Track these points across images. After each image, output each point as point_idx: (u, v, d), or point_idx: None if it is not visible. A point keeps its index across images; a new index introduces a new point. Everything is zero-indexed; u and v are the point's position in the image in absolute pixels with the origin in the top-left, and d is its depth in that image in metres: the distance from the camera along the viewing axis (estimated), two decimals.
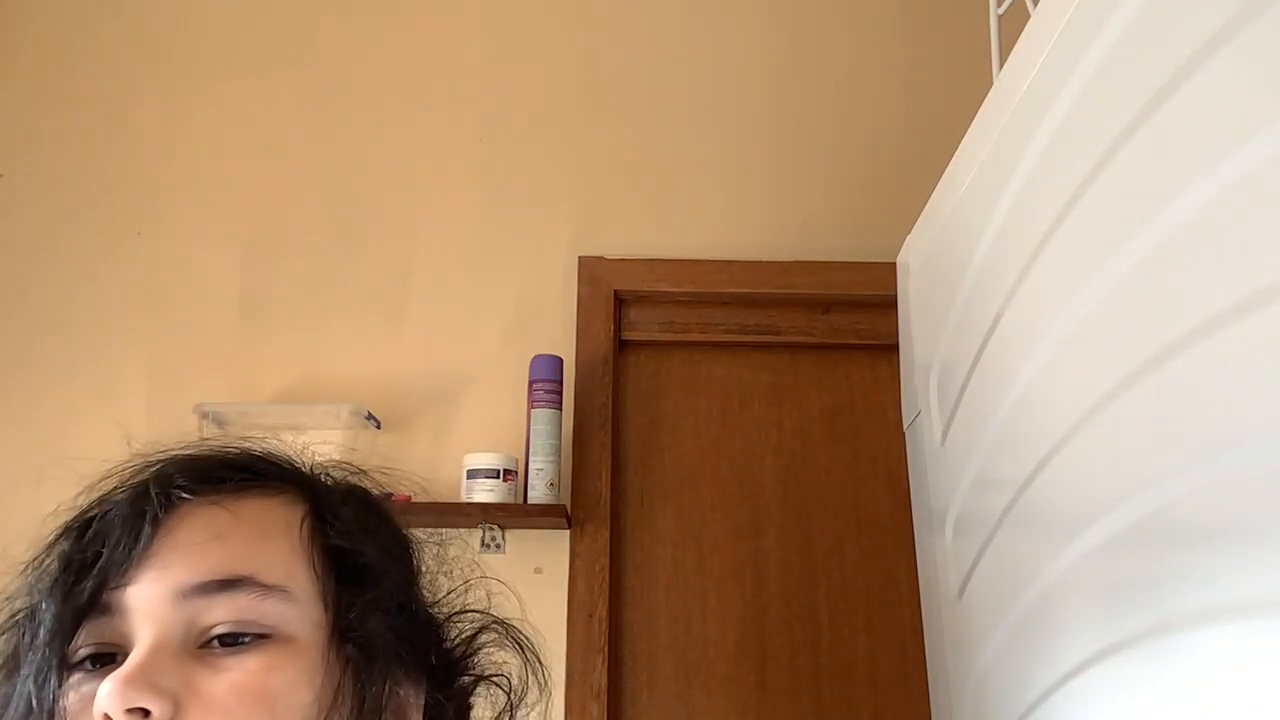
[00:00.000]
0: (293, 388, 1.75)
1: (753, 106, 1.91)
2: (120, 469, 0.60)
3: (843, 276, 1.79)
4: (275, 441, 0.62)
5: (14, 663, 0.54)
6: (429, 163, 1.88)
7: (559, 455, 1.63)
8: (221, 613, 0.52)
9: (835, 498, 1.76)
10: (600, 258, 1.81)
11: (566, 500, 1.66)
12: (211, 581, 0.53)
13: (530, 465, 1.61)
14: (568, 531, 1.67)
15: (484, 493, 1.59)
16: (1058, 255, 0.93)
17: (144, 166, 1.89)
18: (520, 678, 0.65)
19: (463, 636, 0.64)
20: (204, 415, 1.64)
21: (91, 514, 0.57)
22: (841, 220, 1.83)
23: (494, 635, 0.65)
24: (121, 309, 1.80)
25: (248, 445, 0.61)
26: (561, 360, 1.69)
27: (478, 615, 0.65)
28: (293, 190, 1.87)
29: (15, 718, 0.51)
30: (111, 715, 0.48)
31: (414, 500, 1.63)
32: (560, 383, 1.67)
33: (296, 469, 0.61)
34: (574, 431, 1.71)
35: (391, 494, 1.50)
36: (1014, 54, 1.04)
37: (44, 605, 0.53)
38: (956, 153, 1.22)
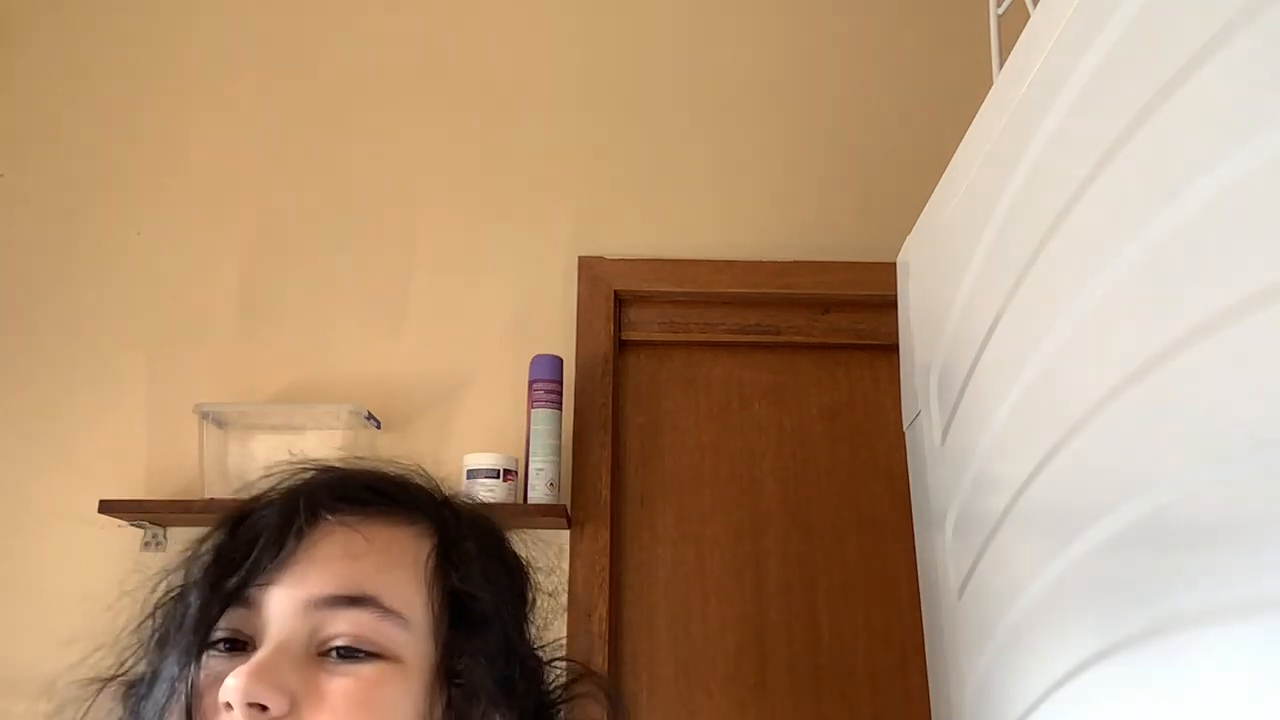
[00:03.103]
0: (293, 388, 1.75)
1: (753, 107, 1.91)
2: (278, 471, 0.65)
3: (843, 276, 1.79)
4: (416, 468, 0.68)
5: (165, 636, 0.60)
6: (429, 163, 1.88)
7: (559, 455, 1.63)
8: (343, 625, 0.57)
9: (835, 498, 1.76)
10: (600, 258, 1.81)
11: (566, 500, 1.66)
12: (339, 596, 0.57)
13: (530, 465, 1.61)
14: (568, 531, 1.67)
15: (484, 493, 1.59)
16: (1058, 255, 0.93)
17: (144, 166, 1.89)
18: None
19: (560, 682, 0.68)
20: (204, 415, 1.65)
21: (246, 512, 0.63)
22: (841, 220, 1.83)
23: (589, 687, 0.69)
24: (121, 309, 1.80)
25: (391, 469, 0.66)
26: (561, 360, 1.69)
27: (576, 665, 0.70)
28: (293, 190, 1.87)
29: (161, 684, 0.56)
30: (234, 706, 0.52)
31: None
32: (560, 383, 1.67)
33: (430, 498, 0.66)
34: (574, 431, 1.71)
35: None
36: (1014, 54, 1.04)
37: (195, 590, 0.59)
38: (956, 153, 1.22)
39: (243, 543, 0.60)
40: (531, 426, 1.63)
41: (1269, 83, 0.64)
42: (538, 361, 1.67)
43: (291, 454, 0.67)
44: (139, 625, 0.63)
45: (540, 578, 0.71)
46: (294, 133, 1.91)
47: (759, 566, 1.73)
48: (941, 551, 1.25)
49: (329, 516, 0.60)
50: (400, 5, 1.98)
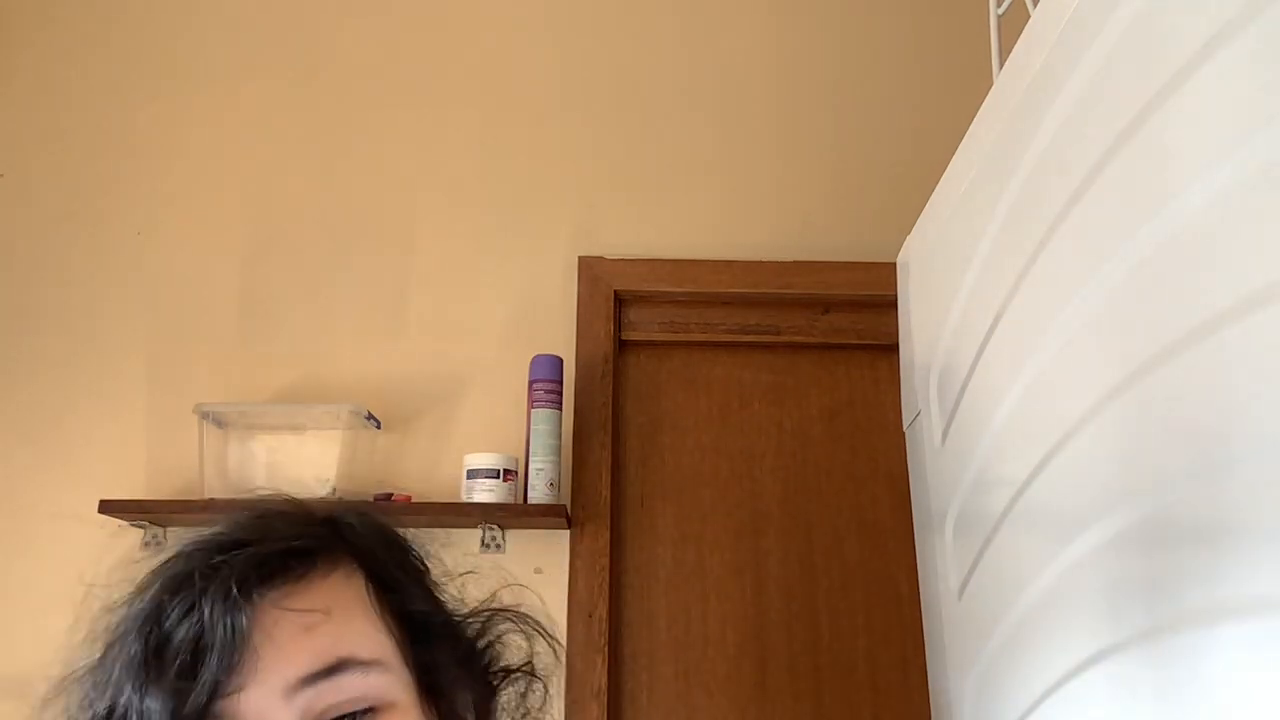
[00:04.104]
0: (293, 388, 1.75)
1: (753, 106, 1.91)
2: (170, 558, 0.61)
3: (843, 276, 1.79)
4: (287, 498, 0.66)
5: None
6: (429, 163, 1.88)
7: (559, 455, 1.64)
8: (332, 697, 0.56)
9: (835, 498, 1.76)
10: (600, 258, 1.81)
11: (566, 500, 1.66)
12: (316, 672, 0.56)
13: (530, 465, 1.61)
14: (568, 531, 1.67)
15: (484, 493, 1.59)
16: (1058, 255, 0.93)
17: (144, 166, 1.89)
18: (541, 658, 0.69)
19: (491, 636, 0.68)
20: (204, 415, 1.65)
21: (160, 610, 0.58)
22: (841, 220, 1.83)
23: (508, 624, 0.69)
24: (121, 309, 1.80)
25: (280, 511, 0.64)
26: (561, 360, 1.69)
27: (487, 612, 0.69)
28: (293, 190, 1.87)
29: None
30: None
31: (414, 500, 1.64)
32: (560, 383, 1.67)
33: (333, 529, 0.64)
34: (574, 431, 1.71)
35: (392, 494, 1.50)
36: (1014, 54, 1.04)
37: (145, 712, 0.54)
38: (956, 153, 1.22)
39: (176, 662, 0.55)
40: (531, 426, 1.63)
41: (1269, 83, 0.64)
42: (538, 361, 1.67)
43: (145, 543, 0.65)
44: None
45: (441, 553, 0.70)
46: (294, 133, 1.91)
47: (759, 566, 1.73)
48: (941, 551, 1.25)
49: (268, 596, 0.58)
50: (400, 6, 1.98)
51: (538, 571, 1.66)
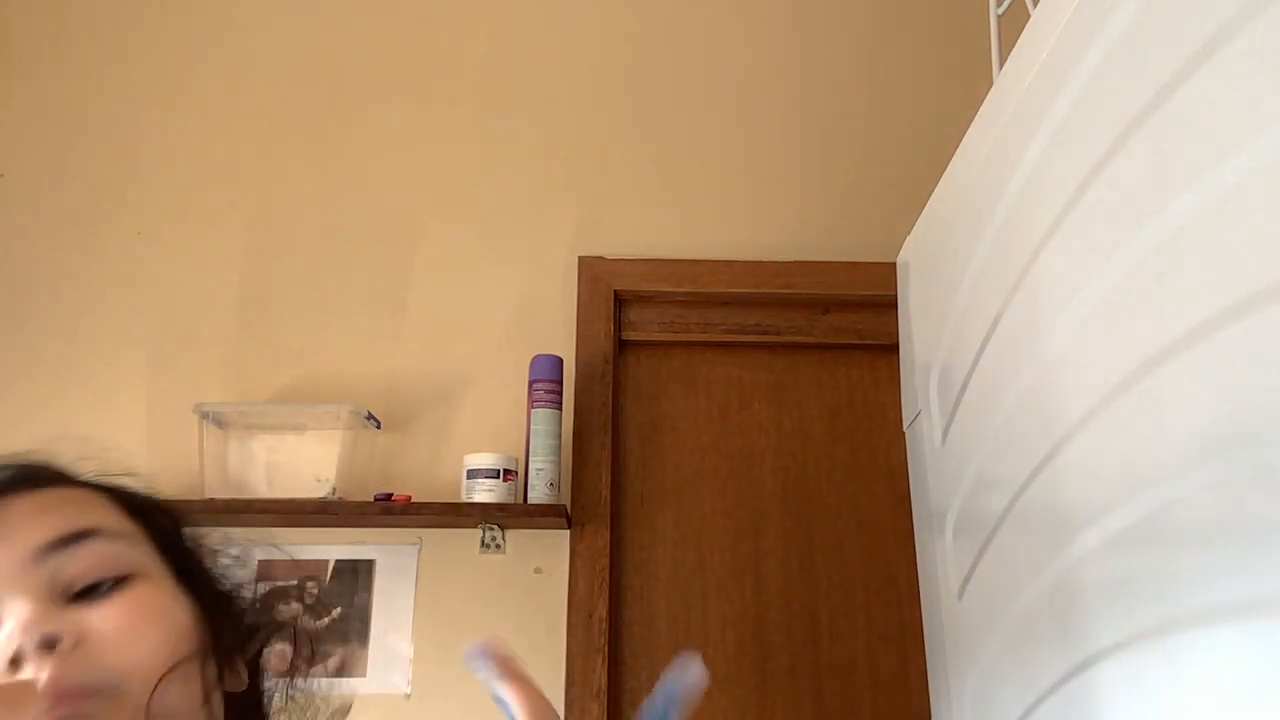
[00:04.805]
0: (293, 388, 1.75)
1: (752, 107, 1.91)
2: None
3: (843, 276, 1.79)
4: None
5: None
6: (429, 163, 1.88)
7: (559, 455, 1.63)
8: (82, 564, 0.55)
9: (835, 498, 1.76)
10: (600, 258, 1.81)
11: (566, 500, 1.66)
12: (66, 536, 0.55)
13: (530, 465, 1.61)
14: (568, 531, 1.67)
15: (484, 493, 1.59)
16: (1058, 255, 0.93)
17: (144, 166, 1.89)
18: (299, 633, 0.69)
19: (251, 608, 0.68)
20: (204, 415, 1.64)
21: None
22: (841, 220, 1.83)
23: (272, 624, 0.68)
24: (121, 309, 1.80)
25: (29, 457, 0.64)
26: (561, 360, 1.69)
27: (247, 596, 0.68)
28: (292, 190, 1.87)
29: None
30: (25, 649, 0.50)
31: (414, 500, 1.64)
32: (560, 383, 1.67)
33: (70, 476, 0.64)
34: (574, 431, 1.71)
35: (392, 494, 1.50)
36: (1014, 54, 1.04)
37: None
38: (956, 153, 1.23)
39: None
40: (531, 426, 1.63)
41: (1268, 83, 0.64)
42: (538, 361, 1.67)
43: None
44: None
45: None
46: (294, 133, 1.91)
47: (759, 566, 1.73)
48: (941, 551, 1.25)
49: (9, 494, 0.57)
50: (400, 5, 1.98)
51: (538, 571, 1.66)
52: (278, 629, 0.66)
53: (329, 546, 1.66)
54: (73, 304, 1.81)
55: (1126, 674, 0.80)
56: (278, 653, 0.66)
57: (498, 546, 1.66)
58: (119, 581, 0.55)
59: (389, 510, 1.59)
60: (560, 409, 1.65)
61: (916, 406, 1.36)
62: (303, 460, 1.66)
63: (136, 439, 1.73)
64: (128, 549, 0.57)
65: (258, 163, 1.89)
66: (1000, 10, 1.28)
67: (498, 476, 1.60)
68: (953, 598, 1.20)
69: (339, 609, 1.64)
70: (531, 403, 1.64)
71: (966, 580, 1.15)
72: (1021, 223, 1.00)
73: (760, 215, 1.85)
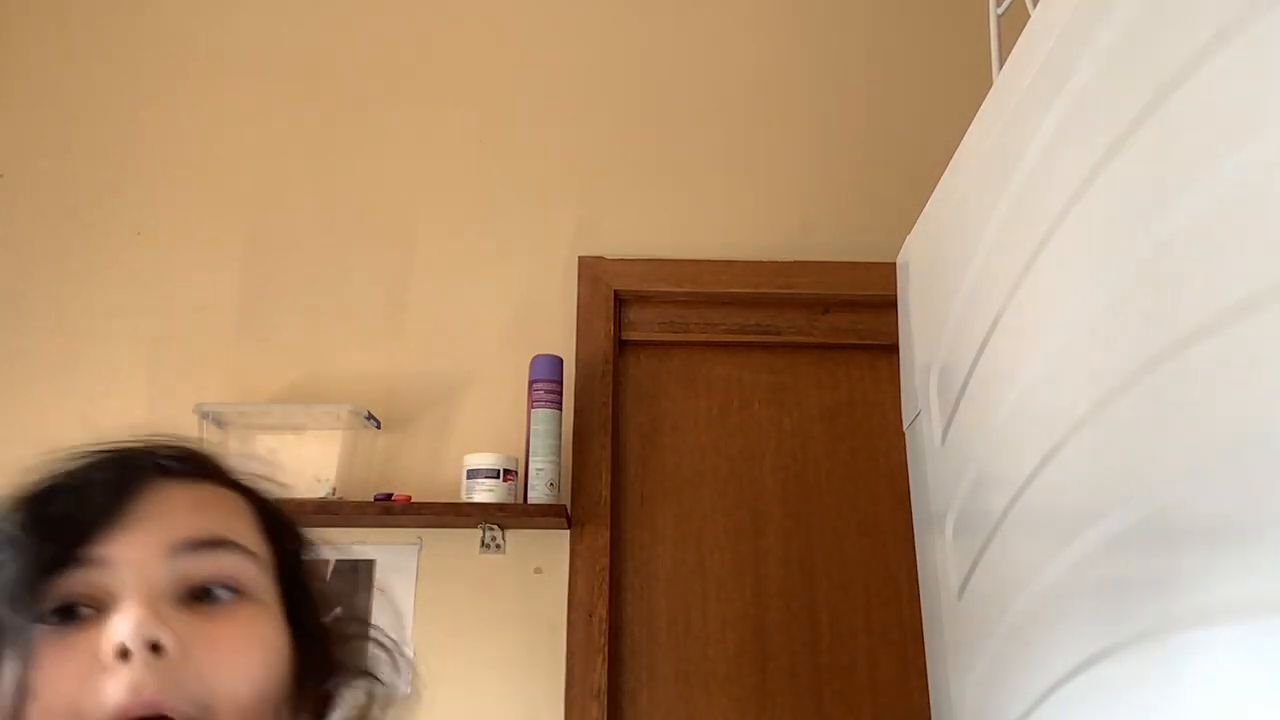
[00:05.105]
0: (293, 388, 1.75)
1: (752, 107, 1.91)
2: (67, 454, 0.62)
3: (843, 276, 1.79)
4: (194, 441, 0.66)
5: None
6: (429, 163, 1.88)
7: (559, 455, 1.63)
8: (211, 569, 0.56)
9: (835, 498, 1.76)
10: (600, 258, 1.81)
11: (566, 500, 1.66)
12: (205, 540, 0.56)
13: (530, 465, 1.61)
14: (568, 531, 1.67)
15: (484, 493, 1.59)
16: (1058, 255, 0.93)
17: (144, 166, 1.89)
18: (384, 671, 0.68)
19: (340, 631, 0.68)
20: (204, 415, 1.64)
21: (52, 485, 0.58)
22: (841, 220, 1.83)
23: (361, 628, 0.69)
24: (121, 309, 1.80)
25: (180, 442, 0.65)
26: (561, 360, 1.69)
27: (347, 614, 0.69)
28: (292, 190, 1.87)
29: None
30: (130, 646, 0.50)
31: (414, 500, 1.64)
32: (560, 383, 1.67)
33: (225, 470, 0.65)
34: (574, 431, 1.71)
35: (392, 494, 1.50)
36: (1014, 54, 1.04)
37: (7, 559, 0.54)
38: (956, 153, 1.23)
39: (64, 505, 0.55)
40: (531, 426, 1.63)
41: (1268, 83, 0.64)
42: (538, 361, 1.67)
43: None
44: None
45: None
46: (294, 133, 1.90)
47: (759, 566, 1.73)
48: (941, 551, 1.25)
49: (164, 479, 0.58)
50: (400, 5, 1.98)
51: (538, 571, 1.66)
52: (360, 674, 0.66)
53: (329, 546, 1.66)
54: (73, 304, 1.81)
55: (1126, 674, 0.80)
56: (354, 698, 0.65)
57: (498, 546, 1.66)
58: (237, 598, 0.56)
59: (389, 510, 1.59)
60: (560, 409, 1.65)
61: (916, 406, 1.36)
62: (303, 460, 1.66)
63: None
64: (256, 571, 0.58)
65: (257, 163, 1.89)
66: (1000, 10, 1.28)
67: (498, 476, 1.60)
68: (953, 598, 1.20)
69: (339, 609, 1.63)
70: (531, 403, 1.64)
71: (966, 580, 1.15)
72: (1021, 223, 1.00)
73: (760, 215, 1.84)
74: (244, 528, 0.60)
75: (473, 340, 1.77)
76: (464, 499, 1.59)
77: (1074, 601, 0.89)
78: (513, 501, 1.60)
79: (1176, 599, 0.74)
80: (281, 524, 0.65)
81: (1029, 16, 1.02)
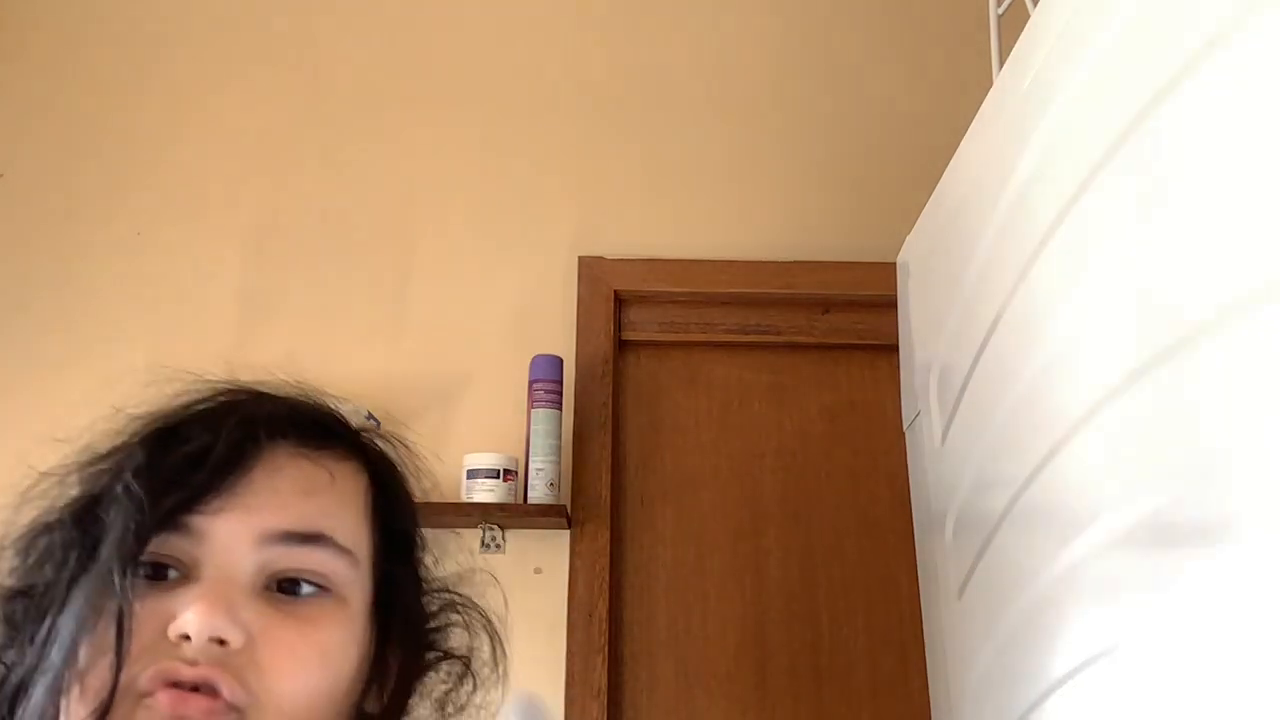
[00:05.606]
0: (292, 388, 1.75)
1: (752, 106, 1.91)
2: (199, 388, 0.62)
3: (843, 276, 1.79)
4: (328, 397, 0.65)
5: (62, 554, 0.55)
6: (429, 163, 1.88)
7: (559, 455, 1.63)
8: (297, 562, 0.55)
9: (835, 498, 1.76)
10: (600, 258, 1.81)
11: (566, 500, 1.66)
12: (296, 532, 0.56)
13: (530, 465, 1.61)
14: (568, 531, 1.67)
15: (484, 493, 1.59)
16: (1058, 255, 0.93)
17: (144, 166, 1.89)
18: (479, 656, 0.67)
19: (442, 618, 0.66)
20: None
21: (170, 428, 0.58)
22: (841, 220, 1.83)
23: (461, 613, 0.67)
24: (121, 309, 1.80)
25: (316, 399, 0.64)
26: (561, 360, 1.68)
27: (449, 594, 0.67)
28: (293, 191, 1.87)
29: (76, 613, 0.51)
30: (194, 638, 0.51)
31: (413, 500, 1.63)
32: (560, 383, 1.67)
33: (355, 433, 0.64)
34: (574, 431, 1.71)
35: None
36: (1014, 54, 1.04)
37: (116, 508, 0.54)
38: (956, 153, 1.23)
39: (176, 463, 0.55)
40: (531, 426, 1.63)
41: (1267, 83, 0.64)
42: (538, 361, 1.67)
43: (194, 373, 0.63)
44: (23, 537, 0.58)
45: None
46: (294, 133, 1.90)
47: (759, 566, 1.72)
48: (941, 551, 1.25)
49: (281, 445, 0.58)
50: (400, 6, 1.98)
51: (538, 571, 1.66)
52: (449, 657, 0.65)
53: None
54: (73, 304, 1.81)
55: (1127, 674, 0.80)
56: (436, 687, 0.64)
57: (498, 546, 1.66)
58: (320, 594, 0.56)
59: None
60: (560, 409, 1.65)
61: (916, 407, 1.36)
62: None
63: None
64: (346, 569, 0.57)
65: (258, 163, 1.89)
66: (1000, 10, 1.28)
67: (498, 476, 1.60)
68: (953, 598, 1.20)
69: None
70: (531, 403, 1.64)
71: (966, 580, 1.15)
72: (1021, 223, 1.00)
73: (761, 215, 1.84)
74: (350, 516, 0.59)
75: (473, 340, 1.77)
76: (464, 499, 1.59)
77: (1074, 601, 0.89)
78: (513, 501, 1.60)
79: (1175, 599, 0.74)
80: (396, 500, 0.64)
81: (1029, 16, 1.02)
